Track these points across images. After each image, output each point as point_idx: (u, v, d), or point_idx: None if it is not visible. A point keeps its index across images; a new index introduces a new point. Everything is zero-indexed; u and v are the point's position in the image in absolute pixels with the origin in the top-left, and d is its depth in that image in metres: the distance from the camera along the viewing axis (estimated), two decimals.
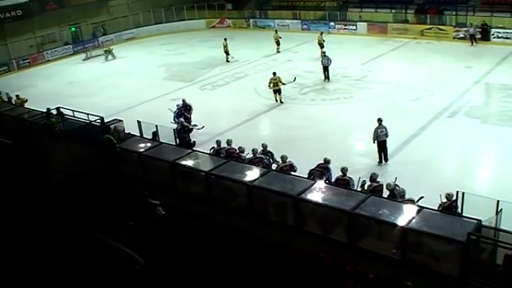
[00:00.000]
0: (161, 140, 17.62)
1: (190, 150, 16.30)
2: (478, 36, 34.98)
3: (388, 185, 13.18)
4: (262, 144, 16.21)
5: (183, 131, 19.77)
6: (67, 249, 3.50)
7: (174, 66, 35.70)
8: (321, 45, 33.07)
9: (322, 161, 14.78)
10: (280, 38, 36.99)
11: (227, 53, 35.43)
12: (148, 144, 16.83)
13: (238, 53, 35.99)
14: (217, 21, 49.59)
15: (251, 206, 13.46)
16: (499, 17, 35.72)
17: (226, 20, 49.37)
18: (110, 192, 4.04)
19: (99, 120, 19.20)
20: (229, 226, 11.25)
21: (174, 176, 15.29)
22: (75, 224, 3.60)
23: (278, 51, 36.72)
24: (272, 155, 16.17)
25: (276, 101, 25.58)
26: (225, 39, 35.88)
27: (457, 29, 36.35)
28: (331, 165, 14.70)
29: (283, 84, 25.40)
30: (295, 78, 26.81)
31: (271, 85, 25.40)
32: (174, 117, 21.23)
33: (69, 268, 3.43)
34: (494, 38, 34.90)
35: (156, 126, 18.24)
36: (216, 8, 49.95)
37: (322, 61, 28.37)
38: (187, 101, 22.23)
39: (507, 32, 34.35)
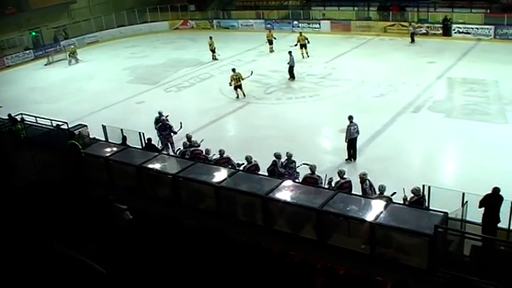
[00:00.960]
0: (128, 144, 17.39)
1: (156, 154, 16.13)
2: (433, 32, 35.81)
3: (363, 173, 13.31)
4: (287, 153, 15.29)
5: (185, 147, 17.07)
6: (24, 260, 3.39)
7: (138, 69, 35.31)
8: (302, 46, 32.98)
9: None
10: (274, 38, 36.36)
11: (213, 51, 35.28)
12: (114, 149, 16.61)
13: (202, 54, 36.04)
14: (181, 22, 49.29)
15: (220, 207, 13.40)
16: (459, 12, 36.46)
17: (189, 21, 49.08)
18: (72, 201, 3.94)
19: (63, 126, 18.90)
20: (198, 228, 11.16)
21: (141, 179, 15.13)
22: (33, 235, 3.49)
23: (271, 51, 36.10)
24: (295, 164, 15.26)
25: (238, 97, 25.81)
26: (210, 38, 35.68)
27: (419, 25, 36.87)
28: (282, 160, 14.97)
29: (242, 79, 25.69)
30: (251, 72, 27.15)
31: (233, 82, 25.61)
32: (160, 130, 19.39)
33: (26, 280, 3.33)
34: (455, 33, 35.54)
35: (122, 130, 18.00)
36: (179, 10, 49.63)
37: (289, 60, 28.35)
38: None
39: (467, 27, 35.03)
